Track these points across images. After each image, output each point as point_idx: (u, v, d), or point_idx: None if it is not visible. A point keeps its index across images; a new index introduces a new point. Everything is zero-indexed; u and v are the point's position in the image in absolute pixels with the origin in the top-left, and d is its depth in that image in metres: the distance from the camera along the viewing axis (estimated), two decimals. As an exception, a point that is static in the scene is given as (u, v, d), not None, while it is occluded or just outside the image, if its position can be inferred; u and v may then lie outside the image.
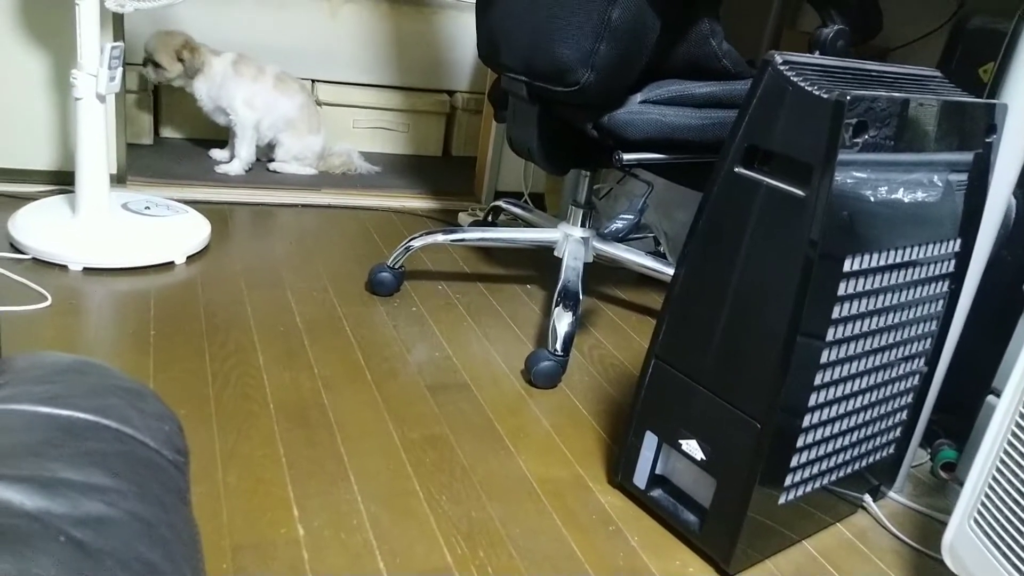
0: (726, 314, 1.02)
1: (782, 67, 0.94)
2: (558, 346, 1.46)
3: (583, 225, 1.72)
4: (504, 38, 1.50)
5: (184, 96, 2.28)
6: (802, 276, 0.94)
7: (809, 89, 0.92)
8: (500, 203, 2.04)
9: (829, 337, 0.99)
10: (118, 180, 2.02)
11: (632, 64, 1.38)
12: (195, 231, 1.78)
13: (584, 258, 1.67)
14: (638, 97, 1.44)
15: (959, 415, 1.31)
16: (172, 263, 1.69)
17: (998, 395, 1.21)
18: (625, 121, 1.42)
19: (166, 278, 1.64)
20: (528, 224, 1.95)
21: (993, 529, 0.91)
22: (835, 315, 0.98)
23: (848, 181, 0.94)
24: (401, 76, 2.64)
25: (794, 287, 0.95)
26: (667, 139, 1.45)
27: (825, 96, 0.90)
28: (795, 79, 0.93)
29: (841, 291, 0.97)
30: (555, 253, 1.73)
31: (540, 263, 1.99)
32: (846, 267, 0.96)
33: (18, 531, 0.38)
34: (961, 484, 1.20)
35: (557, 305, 1.51)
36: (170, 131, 2.48)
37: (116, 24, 1.87)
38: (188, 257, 1.72)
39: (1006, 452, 0.90)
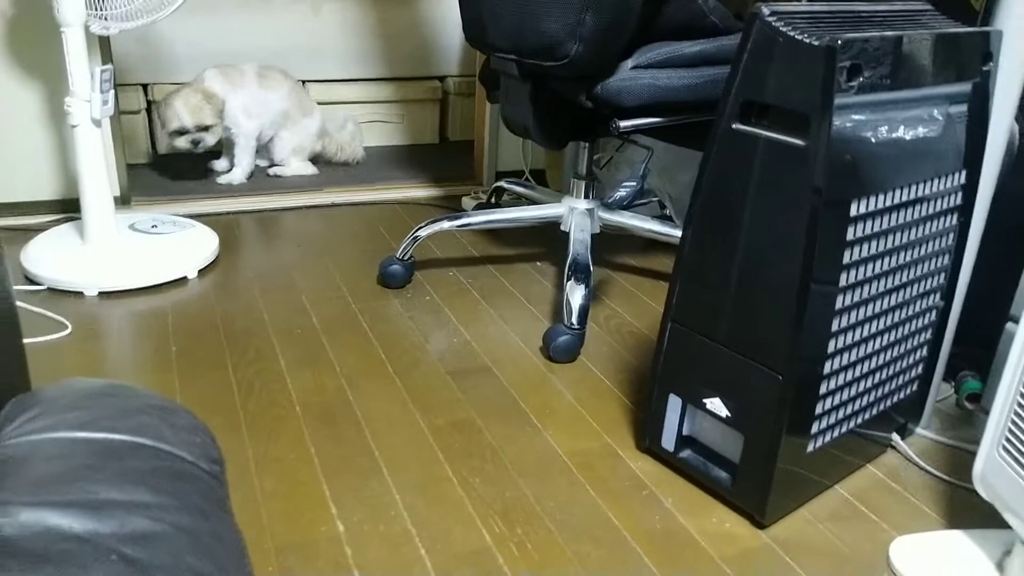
0: (737, 270, 1.03)
1: (770, 18, 0.94)
2: (574, 319, 1.47)
3: (587, 196, 1.72)
4: (490, 19, 1.49)
5: (177, 111, 2.29)
6: (809, 225, 0.94)
7: (799, 38, 0.91)
8: (502, 183, 2.05)
9: (842, 283, 0.99)
10: (122, 201, 2.03)
11: (620, 31, 1.37)
12: (203, 244, 1.79)
13: (591, 229, 1.67)
14: (629, 63, 1.43)
15: (980, 346, 1.31)
16: (185, 278, 1.70)
17: (1017, 322, 1.21)
18: (618, 89, 1.42)
19: (181, 293, 1.65)
20: (532, 201, 1.96)
21: (1019, 451, 0.92)
22: (846, 260, 0.98)
23: (847, 125, 0.94)
24: (390, 67, 2.63)
25: (802, 237, 0.95)
26: (662, 102, 1.45)
27: (816, 43, 0.90)
28: (784, 29, 0.93)
29: (850, 236, 0.97)
30: (562, 227, 1.73)
31: (548, 239, 2.00)
32: (853, 211, 0.96)
33: (70, 554, 0.39)
34: (987, 413, 1.20)
35: (569, 279, 1.51)
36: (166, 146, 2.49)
37: (104, 47, 1.88)
38: (200, 271, 1.74)
39: (1029, 378, 0.90)
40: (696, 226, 1.07)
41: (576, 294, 1.49)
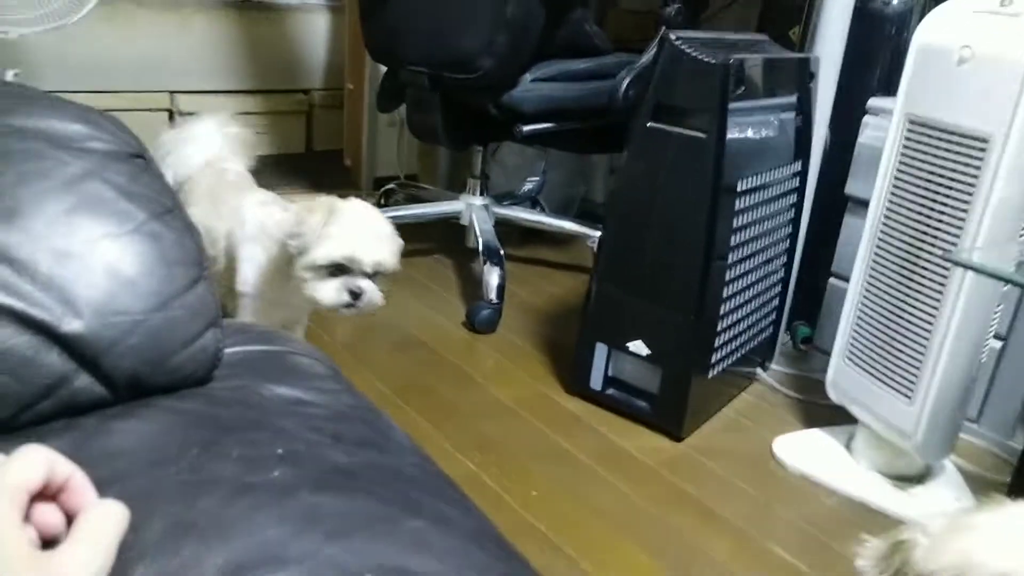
0: (655, 236, 1.32)
1: (677, 42, 1.24)
2: (492, 296, 1.71)
3: (482, 193, 1.96)
4: (403, 35, 1.70)
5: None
6: (711, 197, 1.25)
7: (700, 57, 1.22)
8: (392, 186, 2.24)
9: (733, 242, 1.31)
10: None
11: (524, 49, 1.64)
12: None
13: (490, 221, 1.92)
14: (528, 77, 1.70)
15: (810, 299, 1.70)
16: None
17: (838, 277, 1.60)
18: (520, 98, 1.68)
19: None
20: (424, 201, 2.16)
21: (861, 358, 1.27)
22: (736, 224, 1.30)
23: (731, 124, 1.26)
24: (258, 80, 2.73)
25: (706, 205, 1.25)
26: (556, 110, 1.73)
27: (715, 62, 1.21)
28: (688, 50, 1.23)
29: (738, 206, 1.29)
30: (461, 222, 1.96)
31: (440, 235, 2.21)
32: (739, 187, 1.28)
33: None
34: (820, 351, 1.58)
35: (485, 262, 1.74)
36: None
37: (6, 51, 1.86)
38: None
39: (863, 300, 1.26)
40: (618, 205, 1.35)
41: (493, 274, 1.72)
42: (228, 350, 0.68)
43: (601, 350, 1.42)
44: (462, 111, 1.79)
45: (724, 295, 1.34)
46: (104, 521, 0.41)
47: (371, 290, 1.14)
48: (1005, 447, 1.37)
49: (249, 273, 1.21)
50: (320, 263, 1.11)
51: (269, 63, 2.74)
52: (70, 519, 0.41)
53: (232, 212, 1.23)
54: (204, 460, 0.53)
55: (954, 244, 1.10)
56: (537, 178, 1.77)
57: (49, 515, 0.40)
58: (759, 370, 1.60)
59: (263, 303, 1.22)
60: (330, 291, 1.13)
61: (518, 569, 0.55)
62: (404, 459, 0.64)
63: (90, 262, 0.58)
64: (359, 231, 1.12)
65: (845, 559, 0.53)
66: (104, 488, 0.43)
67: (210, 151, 1.34)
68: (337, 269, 1.12)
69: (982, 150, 1.07)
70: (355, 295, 1.13)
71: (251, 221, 1.21)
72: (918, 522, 0.53)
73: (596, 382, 1.44)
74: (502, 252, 1.77)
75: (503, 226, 2.00)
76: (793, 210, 1.53)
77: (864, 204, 1.28)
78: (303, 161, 2.80)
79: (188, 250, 0.65)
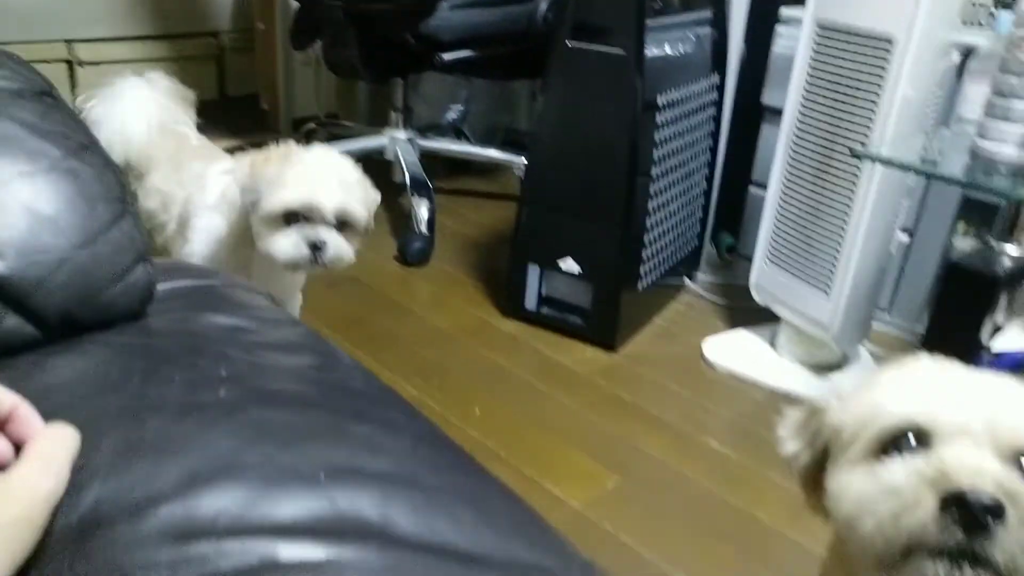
0: (580, 154, 1.34)
1: (588, -42, 1.24)
2: (423, 228, 1.71)
3: (406, 127, 1.95)
4: (311, -33, 1.65)
5: None
6: (633, 113, 1.27)
7: (612, -28, 1.23)
8: (313, 126, 2.20)
9: (655, 156, 1.34)
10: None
11: (438, -26, 1.61)
12: None
13: (415, 154, 1.91)
14: (446, 4, 1.67)
15: (732, 209, 1.75)
16: None
17: (758, 186, 1.65)
18: (438, 26, 1.66)
19: None
20: (346, 139, 2.13)
21: (782, 259, 1.33)
22: (657, 139, 1.33)
23: (650, 40, 1.27)
24: (163, 24, 2.61)
25: (628, 121, 1.28)
26: (475, 36, 1.71)
27: (627, -24, 1.22)
28: (600, -35, 1.23)
29: (659, 120, 1.32)
30: (386, 157, 1.94)
31: (365, 172, 2.19)
32: (660, 102, 1.31)
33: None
34: (744, 258, 1.63)
35: (412, 195, 1.74)
36: None
37: None
38: None
39: (781, 204, 1.31)
40: (544, 125, 1.36)
41: (422, 207, 1.72)
42: (163, 286, 0.68)
43: (533, 271, 1.45)
44: (380, 43, 1.76)
45: (649, 209, 1.38)
46: (55, 443, 0.42)
47: (336, 243, 1.02)
48: (913, 332, 1.46)
49: (199, 244, 1.11)
50: (275, 212, 0.99)
51: (173, 5, 2.62)
52: (18, 449, 0.41)
53: (195, 179, 1.13)
54: (147, 387, 0.54)
55: (863, 142, 1.15)
56: (460, 107, 1.76)
57: (-5, 443, 0.40)
58: (687, 280, 1.65)
59: None
60: (287, 244, 1.00)
61: (466, 462, 0.58)
62: (348, 375, 0.65)
63: (5, 202, 0.57)
64: (317, 176, 1.00)
65: (771, 444, 0.57)
66: (46, 421, 0.43)
67: (152, 113, 1.23)
68: (296, 219, 1.00)
69: (887, 50, 1.11)
70: (316, 248, 1.01)
71: (213, 189, 1.11)
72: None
73: (531, 302, 1.47)
74: (430, 184, 1.77)
75: (429, 159, 1.99)
76: (712, 123, 1.57)
77: (779, 113, 1.32)
78: (217, 108, 2.71)
79: (109, 185, 0.64)
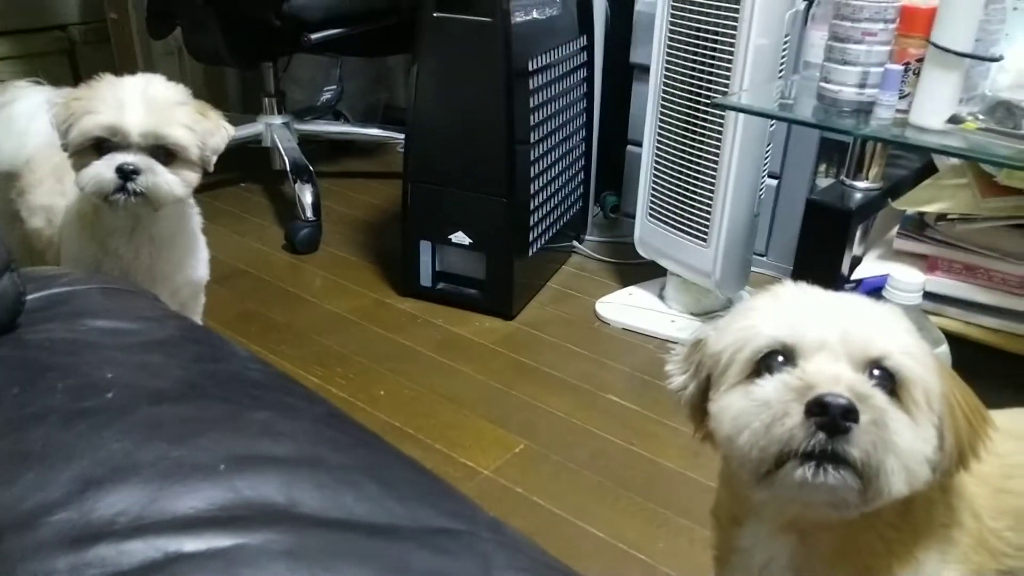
0: (458, 126, 1.34)
1: (448, -72, 1.24)
2: (309, 214, 1.68)
3: (280, 112, 1.90)
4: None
5: None
6: (505, 80, 1.28)
7: (473, -59, 1.23)
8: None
9: (533, 121, 1.36)
10: None
11: (297, -48, 1.57)
12: None
13: (293, 139, 1.87)
14: (307, -18, 1.63)
15: (613, 169, 1.79)
16: None
17: (634, 144, 1.70)
18: (303, 5, 1.62)
19: None
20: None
21: (661, 214, 1.38)
22: (532, 104, 1.35)
23: (515, 6, 1.28)
24: (3, 20, 2.44)
25: (502, 88, 1.29)
26: (342, 14, 1.68)
27: (488, -56, 1.22)
28: (460, -65, 1.23)
29: (533, 85, 1.34)
30: (263, 144, 1.89)
31: (243, 162, 2.12)
32: (531, 67, 1.33)
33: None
34: (628, 216, 1.68)
35: (295, 181, 1.71)
36: None
37: None
38: None
39: (655, 160, 1.36)
40: (419, 100, 1.36)
41: (306, 192, 1.69)
42: (34, 295, 0.65)
43: (426, 247, 1.45)
44: (243, 26, 1.70)
45: (532, 175, 1.40)
46: None
47: (153, 170, 0.92)
48: (788, 272, 1.55)
49: (70, 246, 1.04)
50: (81, 140, 0.91)
51: (12, -1, 2.45)
52: None
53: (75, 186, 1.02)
54: (28, 398, 0.52)
55: (724, 92, 1.20)
56: (335, 87, 1.73)
57: None
58: (575, 242, 1.69)
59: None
60: (92, 171, 0.91)
61: (369, 438, 0.58)
62: (243, 365, 0.64)
63: None
64: (126, 97, 0.91)
65: (668, 392, 0.60)
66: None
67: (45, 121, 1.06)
68: (108, 149, 0.91)
69: (738, 1, 1.16)
70: (124, 174, 0.91)
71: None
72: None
73: (426, 279, 1.48)
74: (312, 169, 1.74)
75: (309, 143, 1.95)
76: (585, 85, 1.60)
77: (647, 70, 1.36)
78: (76, 105, 2.56)
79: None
